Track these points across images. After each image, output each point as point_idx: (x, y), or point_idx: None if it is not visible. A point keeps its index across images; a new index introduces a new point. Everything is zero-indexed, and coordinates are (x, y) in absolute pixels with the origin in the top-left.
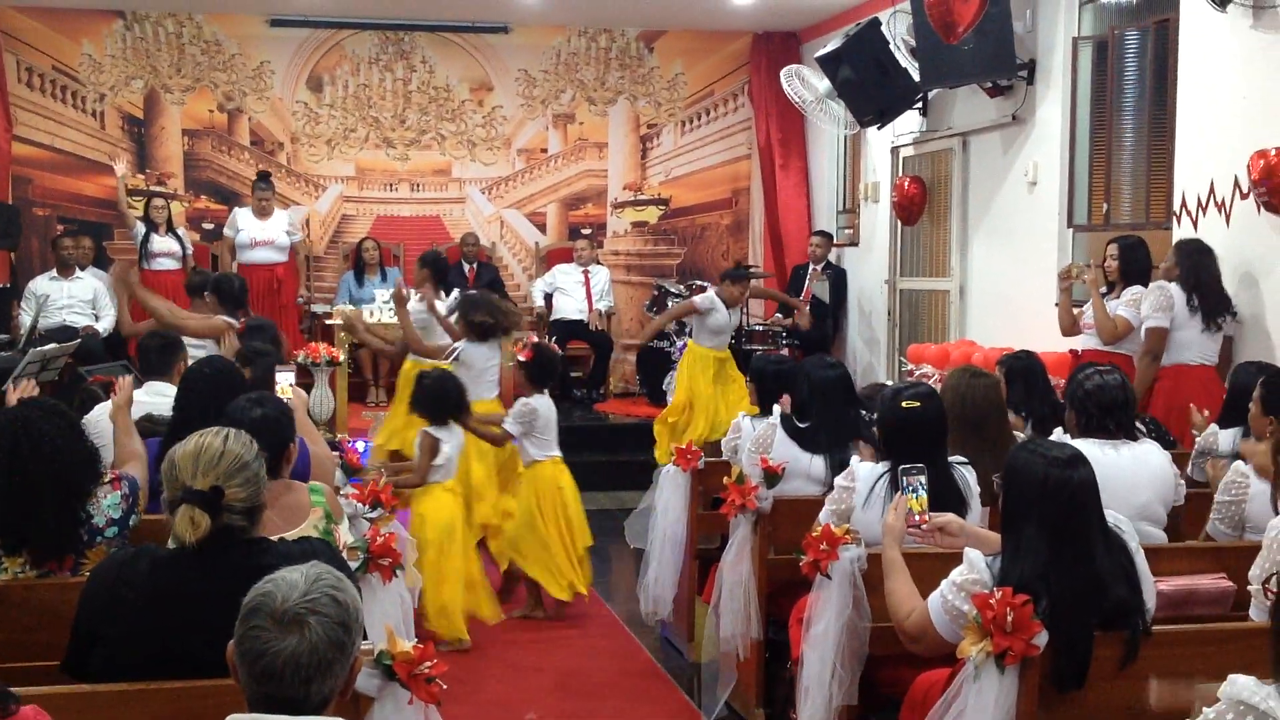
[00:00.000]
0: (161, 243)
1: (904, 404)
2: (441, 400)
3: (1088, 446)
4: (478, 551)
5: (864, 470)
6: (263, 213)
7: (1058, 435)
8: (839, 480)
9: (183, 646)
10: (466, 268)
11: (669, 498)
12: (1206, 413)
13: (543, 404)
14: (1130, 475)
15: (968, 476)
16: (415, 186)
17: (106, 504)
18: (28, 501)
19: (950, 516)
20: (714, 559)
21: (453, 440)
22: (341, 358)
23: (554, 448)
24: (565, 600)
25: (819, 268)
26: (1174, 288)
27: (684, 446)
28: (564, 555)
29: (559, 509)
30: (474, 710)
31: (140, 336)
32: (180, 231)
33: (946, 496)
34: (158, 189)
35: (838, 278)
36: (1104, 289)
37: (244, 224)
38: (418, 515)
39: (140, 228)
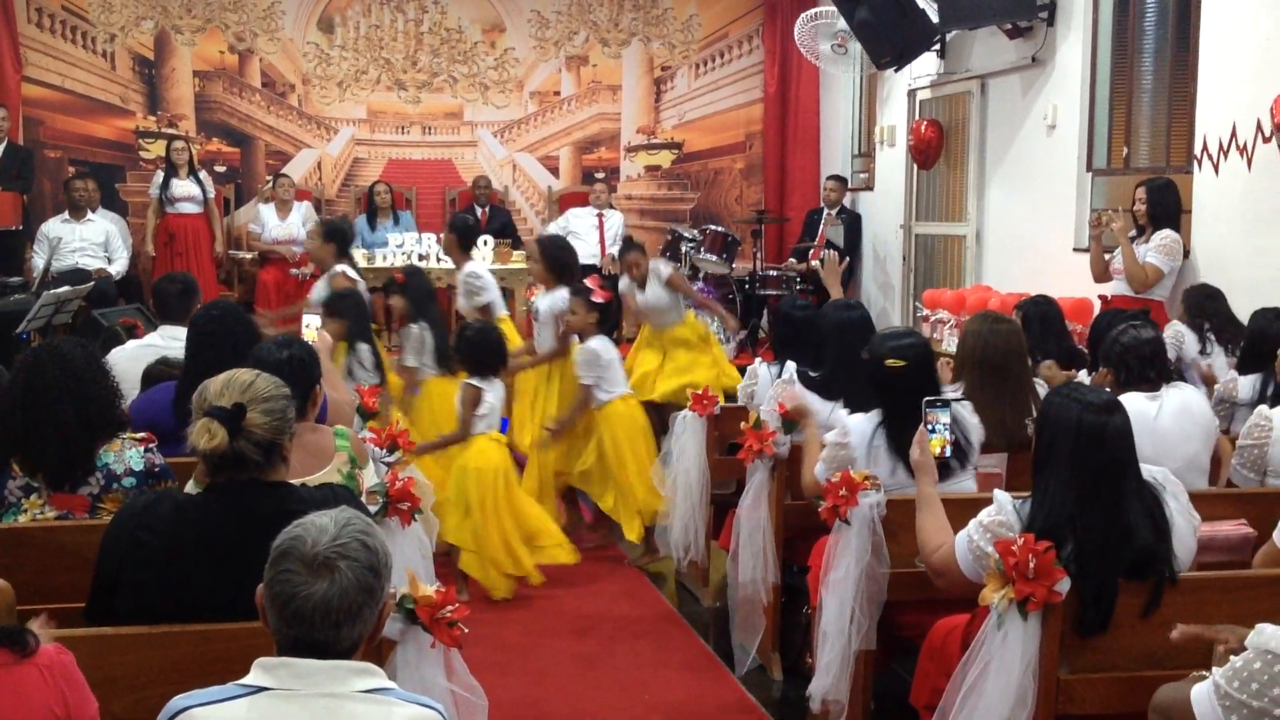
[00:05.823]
0: (182, 186)
1: (888, 364)
2: (484, 352)
3: (1134, 401)
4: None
5: (855, 424)
6: (283, 210)
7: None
8: (830, 437)
9: (205, 590)
10: (479, 211)
11: (685, 443)
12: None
13: (599, 344)
14: (1178, 428)
15: (963, 413)
16: (427, 129)
17: (130, 455)
18: (44, 423)
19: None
20: (730, 505)
21: (494, 391)
22: None
23: (621, 385)
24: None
25: (833, 212)
26: (1183, 329)
27: (701, 392)
28: (642, 488)
29: (634, 444)
30: (491, 653)
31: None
32: (201, 175)
33: None
34: (170, 131)
35: (852, 222)
36: (1133, 233)
37: (266, 219)
38: (459, 468)
39: (158, 175)
